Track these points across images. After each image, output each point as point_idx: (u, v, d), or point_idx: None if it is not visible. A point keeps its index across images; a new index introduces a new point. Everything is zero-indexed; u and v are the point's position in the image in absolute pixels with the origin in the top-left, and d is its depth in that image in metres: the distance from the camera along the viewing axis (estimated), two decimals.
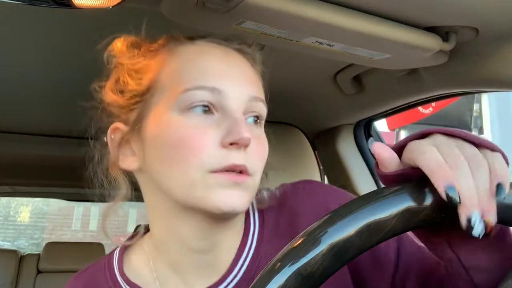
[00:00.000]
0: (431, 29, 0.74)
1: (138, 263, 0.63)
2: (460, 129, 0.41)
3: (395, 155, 0.42)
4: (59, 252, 2.67)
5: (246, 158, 0.53)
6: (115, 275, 0.62)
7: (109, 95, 0.61)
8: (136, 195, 0.66)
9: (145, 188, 0.61)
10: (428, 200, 0.38)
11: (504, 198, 0.37)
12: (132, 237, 0.67)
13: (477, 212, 0.37)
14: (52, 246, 2.74)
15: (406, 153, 0.41)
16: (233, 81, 0.56)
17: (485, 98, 4.50)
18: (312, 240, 0.37)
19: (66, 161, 2.01)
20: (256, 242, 0.61)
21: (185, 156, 0.52)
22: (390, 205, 0.38)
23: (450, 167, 0.38)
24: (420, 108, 5.01)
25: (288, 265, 0.36)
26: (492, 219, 0.37)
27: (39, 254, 2.69)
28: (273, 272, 0.36)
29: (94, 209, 8.10)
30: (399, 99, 1.10)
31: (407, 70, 0.95)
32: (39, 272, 2.62)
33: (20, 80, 1.24)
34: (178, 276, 0.60)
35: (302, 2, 0.63)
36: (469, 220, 0.37)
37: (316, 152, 1.48)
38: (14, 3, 0.59)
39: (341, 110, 1.25)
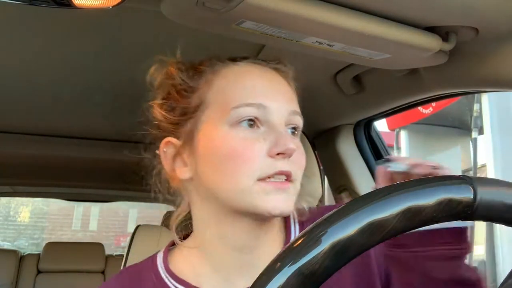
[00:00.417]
0: (431, 29, 0.74)
1: (181, 262, 0.67)
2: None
3: None
4: (59, 252, 2.68)
5: (291, 165, 0.60)
6: (159, 272, 0.66)
7: (159, 113, 0.68)
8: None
9: (195, 196, 0.67)
10: (430, 200, 0.39)
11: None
12: (174, 242, 0.71)
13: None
14: (52, 246, 2.74)
15: None
16: (275, 98, 0.63)
17: (485, 98, 4.49)
18: (313, 239, 0.37)
19: (66, 161, 2.01)
20: None
21: (236, 166, 0.59)
22: (391, 204, 0.38)
23: None
24: (420, 108, 5.01)
25: (289, 264, 0.36)
26: None
27: (39, 254, 2.69)
28: (274, 271, 0.36)
29: (94, 209, 8.10)
30: (399, 99, 1.10)
31: (407, 70, 0.95)
32: (39, 272, 2.62)
33: (20, 80, 1.25)
34: (219, 275, 0.65)
35: (302, 2, 0.64)
36: None
37: (316, 152, 1.48)
38: (14, 3, 0.59)
39: (341, 110, 1.25)
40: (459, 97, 1.97)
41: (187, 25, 0.70)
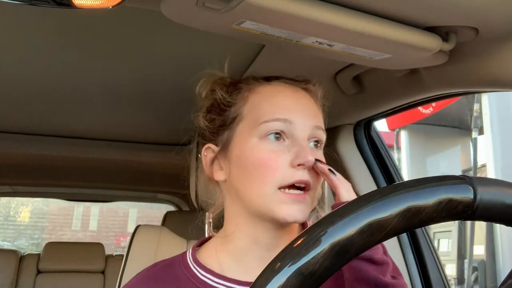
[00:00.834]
0: (431, 29, 0.74)
1: (207, 256, 0.76)
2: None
3: None
4: (59, 252, 2.67)
5: (309, 175, 0.68)
6: (188, 263, 0.75)
7: (203, 122, 0.78)
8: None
9: (227, 195, 0.76)
10: (430, 200, 0.39)
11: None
12: (202, 241, 0.81)
13: None
14: (52, 246, 2.74)
15: None
16: (300, 114, 0.71)
17: (485, 98, 4.49)
18: (313, 239, 0.37)
19: (66, 161, 2.01)
20: None
21: (261, 174, 0.68)
22: (391, 204, 0.38)
23: None
24: (420, 108, 5.01)
25: (289, 264, 0.36)
26: None
27: (39, 254, 2.69)
28: (274, 271, 0.36)
29: (94, 209, 8.10)
30: (399, 99, 1.10)
31: (407, 70, 0.95)
32: (39, 272, 2.62)
33: (19, 80, 1.25)
34: (240, 267, 0.72)
35: (302, 2, 0.64)
36: None
37: None
38: (14, 3, 0.59)
39: (341, 110, 1.25)
40: (459, 97, 1.97)
41: (187, 25, 0.70)
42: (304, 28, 0.68)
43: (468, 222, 4.12)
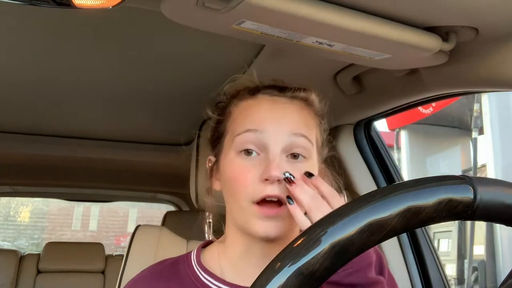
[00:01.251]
0: (431, 29, 0.74)
1: (210, 259, 0.77)
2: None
3: None
4: (59, 252, 2.67)
5: (279, 189, 0.67)
6: (192, 264, 0.76)
7: (209, 134, 0.82)
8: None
9: (226, 204, 0.77)
10: (430, 200, 0.39)
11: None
12: (207, 243, 0.83)
13: None
14: (52, 246, 2.74)
15: None
16: (273, 122, 0.70)
17: (485, 98, 4.49)
18: (313, 239, 0.37)
19: (66, 161, 2.01)
20: None
21: (236, 189, 0.69)
22: (391, 204, 0.38)
23: None
24: (420, 108, 5.01)
25: (289, 264, 0.36)
26: None
27: (39, 254, 2.69)
28: (274, 271, 0.36)
29: (94, 209, 8.10)
30: (399, 99, 1.10)
31: (407, 70, 0.95)
32: (39, 272, 2.62)
33: (19, 80, 1.25)
34: (238, 273, 0.74)
35: (302, 2, 0.63)
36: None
37: None
38: (14, 3, 0.59)
39: (341, 110, 1.25)
40: (459, 97, 1.97)
41: (187, 25, 0.70)
42: (304, 28, 0.68)
43: (468, 222, 4.12)
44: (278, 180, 0.66)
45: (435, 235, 4.79)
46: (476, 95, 4.35)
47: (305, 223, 0.64)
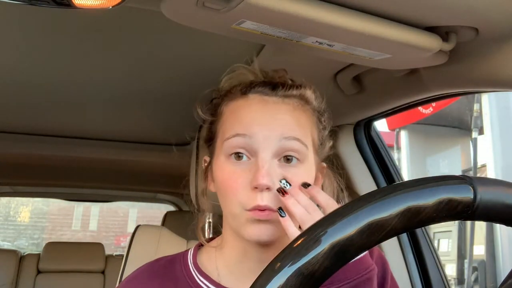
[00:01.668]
0: (431, 29, 0.74)
1: (206, 260, 0.76)
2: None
3: None
4: (59, 252, 2.67)
5: (270, 198, 0.65)
6: (188, 265, 0.75)
7: (204, 133, 0.80)
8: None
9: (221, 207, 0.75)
10: (429, 200, 0.39)
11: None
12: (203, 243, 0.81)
13: None
14: (52, 246, 2.74)
15: None
16: (263, 127, 0.67)
17: (485, 98, 4.49)
18: (313, 239, 0.37)
19: (66, 161, 2.01)
20: None
21: (227, 195, 0.67)
22: (391, 204, 0.38)
23: None
24: (420, 108, 5.01)
25: (289, 264, 0.36)
26: None
27: (39, 254, 2.69)
28: (274, 271, 0.36)
29: (94, 209, 8.10)
30: (399, 99, 1.10)
31: (407, 70, 0.95)
32: (39, 272, 2.62)
33: (19, 80, 1.25)
34: (234, 276, 0.72)
35: (302, 2, 0.63)
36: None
37: None
38: (14, 3, 0.59)
39: (341, 110, 1.25)
40: (459, 97, 1.97)
41: (187, 25, 0.70)
42: (304, 28, 0.68)
43: (468, 222, 4.12)
44: (268, 188, 0.64)
45: (435, 235, 4.79)
46: (476, 95, 4.35)
47: (294, 232, 0.62)
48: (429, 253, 1.29)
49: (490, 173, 4.39)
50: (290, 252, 0.37)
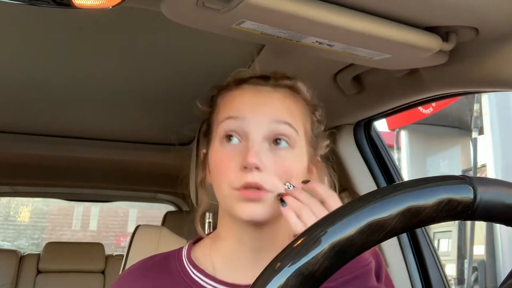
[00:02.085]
0: (431, 29, 0.74)
1: (201, 255, 0.77)
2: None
3: None
4: (59, 252, 2.67)
5: (261, 177, 0.66)
6: (182, 260, 0.76)
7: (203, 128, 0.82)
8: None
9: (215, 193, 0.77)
10: (430, 200, 0.39)
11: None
12: (199, 238, 0.82)
13: None
14: (52, 246, 2.74)
15: None
16: (254, 109, 0.70)
17: (485, 98, 4.49)
18: (313, 239, 0.37)
19: (66, 161, 2.01)
20: None
21: (219, 177, 0.70)
22: (391, 204, 0.38)
23: None
24: (420, 108, 5.01)
25: (289, 264, 0.36)
26: None
27: (39, 254, 2.69)
28: (274, 271, 0.36)
29: (94, 209, 8.10)
30: (399, 99, 1.10)
31: (407, 70, 0.95)
32: (39, 272, 2.62)
33: (19, 80, 1.25)
34: (229, 268, 0.73)
35: (302, 2, 0.64)
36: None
37: None
38: (14, 3, 0.59)
39: (341, 110, 1.25)
40: (459, 97, 1.97)
41: (187, 25, 0.70)
42: (304, 28, 0.68)
43: (468, 222, 4.12)
44: (257, 168, 0.66)
45: (435, 235, 4.79)
46: (476, 95, 4.35)
47: (298, 226, 0.63)
48: (429, 253, 1.29)
49: (490, 173, 4.39)
50: (290, 252, 0.37)
